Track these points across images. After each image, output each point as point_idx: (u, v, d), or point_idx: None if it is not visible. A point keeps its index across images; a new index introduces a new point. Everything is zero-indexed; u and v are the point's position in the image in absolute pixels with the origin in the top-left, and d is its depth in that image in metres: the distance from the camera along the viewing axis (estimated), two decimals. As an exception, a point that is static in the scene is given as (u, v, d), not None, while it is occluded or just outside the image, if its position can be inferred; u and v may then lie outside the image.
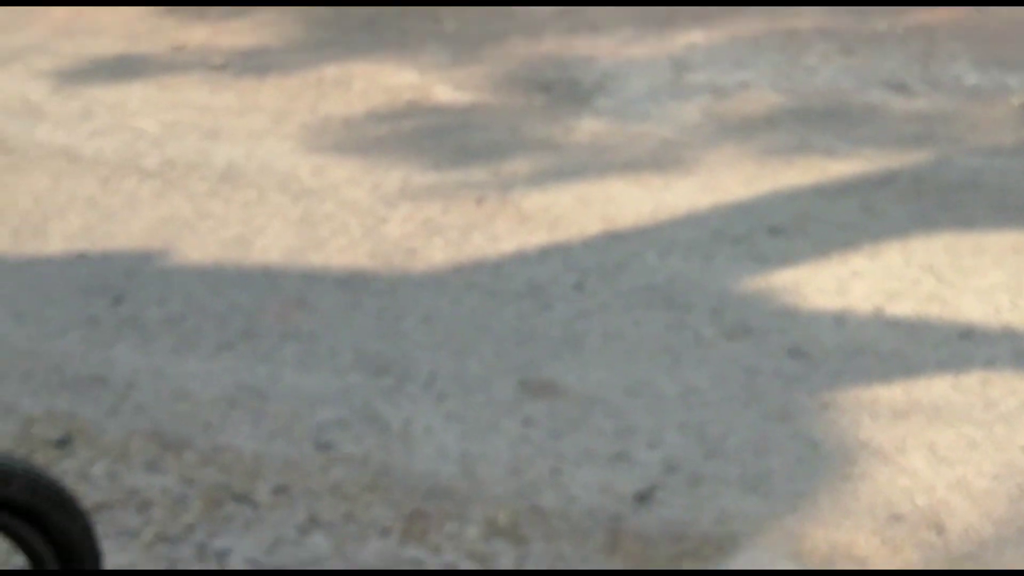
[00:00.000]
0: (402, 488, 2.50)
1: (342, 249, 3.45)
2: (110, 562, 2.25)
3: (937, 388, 2.73)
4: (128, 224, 3.62)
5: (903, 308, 3.03)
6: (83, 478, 2.54)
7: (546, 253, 3.40)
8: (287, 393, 2.82)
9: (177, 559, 2.30)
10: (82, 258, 3.43)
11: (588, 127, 4.19)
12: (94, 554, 1.60)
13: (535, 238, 3.48)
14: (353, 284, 3.28)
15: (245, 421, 2.72)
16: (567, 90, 4.48)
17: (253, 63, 4.80)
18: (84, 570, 1.57)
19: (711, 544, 2.31)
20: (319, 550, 2.32)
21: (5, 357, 2.95)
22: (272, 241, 3.50)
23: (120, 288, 3.26)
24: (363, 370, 2.90)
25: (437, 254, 3.41)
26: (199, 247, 3.48)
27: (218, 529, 2.38)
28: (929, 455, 2.52)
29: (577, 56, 4.73)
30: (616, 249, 3.40)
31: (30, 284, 3.30)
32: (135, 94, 4.56)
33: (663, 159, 3.94)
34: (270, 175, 3.92)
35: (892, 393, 2.72)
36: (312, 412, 2.75)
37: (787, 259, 3.29)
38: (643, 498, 2.44)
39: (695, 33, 4.83)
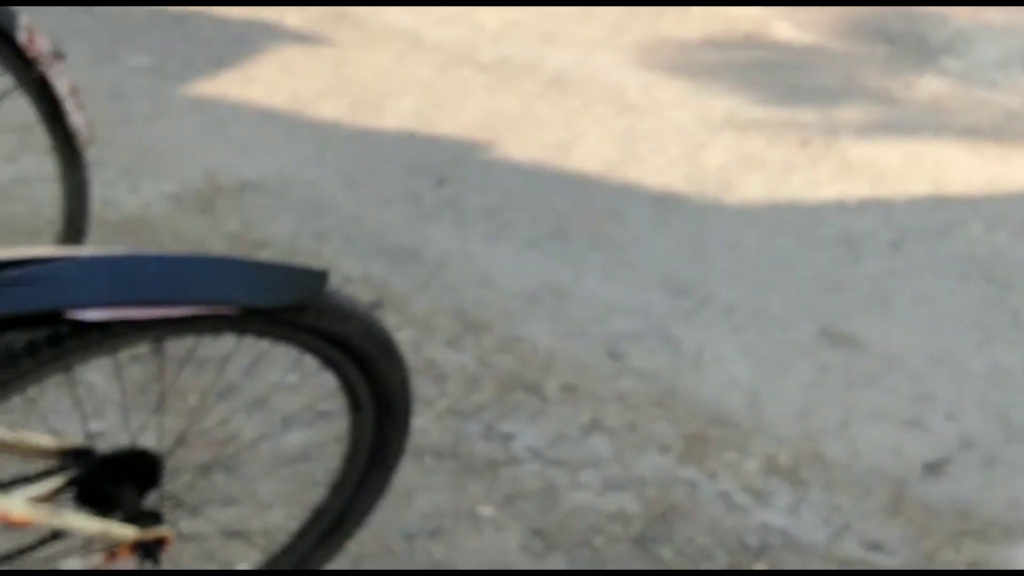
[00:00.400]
0: (687, 410, 2.51)
1: (659, 169, 3.45)
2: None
3: None
4: (458, 113, 3.73)
5: None
6: (388, 342, 2.67)
7: (866, 206, 3.30)
8: (587, 298, 2.87)
9: (465, 433, 2.40)
10: (412, 138, 3.57)
11: (929, 85, 4.02)
12: (406, 408, 1.68)
13: (856, 188, 3.38)
14: (665, 204, 3.28)
15: (544, 317, 2.79)
16: (912, 44, 4.29)
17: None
18: (396, 415, 1.65)
19: (998, 528, 2.22)
20: (599, 452, 2.37)
21: (332, 219, 3.11)
22: (591, 150, 3.54)
23: (443, 172, 3.38)
24: (664, 289, 2.91)
25: (753, 188, 3.37)
26: (521, 145, 3.56)
27: (506, 413, 2.47)
28: None
29: (929, 11, 4.53)
30: (940, 214, 3.27)
31: (361, 155, 3.46)
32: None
33: (1005, 130, 3.73)
34: (597, 86, 3.95)
35: None
36: (609, 320, 2.79)
37: None
38: (933, 468, 2.37)
39: (1062, 3, 4.53)
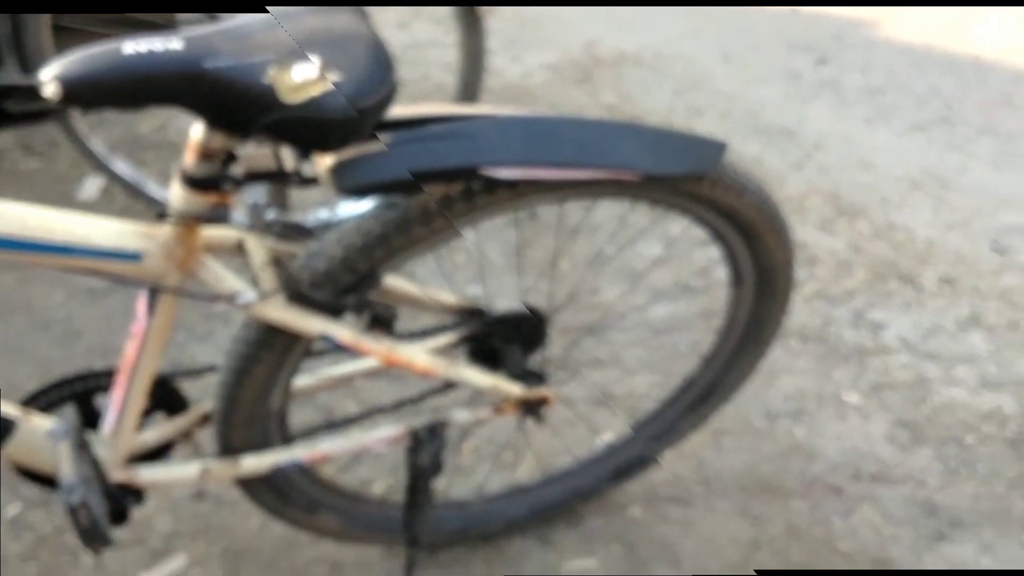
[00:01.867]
0: (1076, 313, 2.37)
1: (1062, 54, 3.21)
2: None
3: None
4: (843, -12, 3.60)
5: None
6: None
7: None
8: (972, 188, 2.73)
9: (833, 319, 2.36)
10: (794, 14, 3.47)
11: None
12: (787, 288, 1.66)
13: None
14: (1067, 93, 3.06)
15: (924, 205, 2.68)
16: None
17: None
18: (777, 293, 1.64)
19: None
20: (976, 349, 2.28)
21: (708, 95, 3.09)
22: (989, 31, 3.33)
23: (825, 50, 3.28)
24: (1059, 184, 2.73)
25: None
26: (910, 24, 3.39)
27: (877, 302, 2.40)
28: None
29: None
30: None
31: (740, 31, 3.40)
32: None
33: None
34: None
35: None
36: (994, 213, 2.65)
37: None
38: None
39: None
